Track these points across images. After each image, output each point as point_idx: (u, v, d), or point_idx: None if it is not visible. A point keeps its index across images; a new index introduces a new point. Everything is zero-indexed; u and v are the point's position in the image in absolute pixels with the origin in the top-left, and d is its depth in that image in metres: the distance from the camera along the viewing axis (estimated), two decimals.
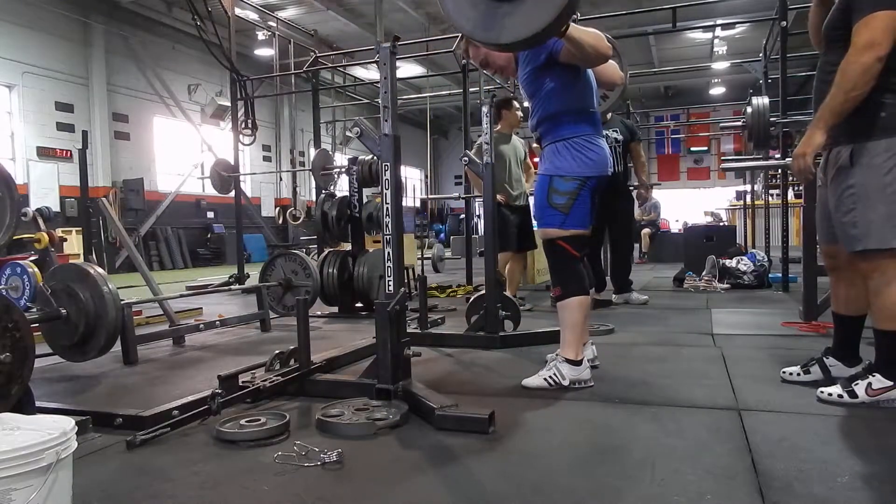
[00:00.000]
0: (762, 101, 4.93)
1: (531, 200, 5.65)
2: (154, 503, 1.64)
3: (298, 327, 2.63)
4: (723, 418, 2.20)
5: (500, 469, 1.81)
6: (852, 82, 2.08)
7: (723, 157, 20.52)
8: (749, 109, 4.98)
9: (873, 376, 2.24)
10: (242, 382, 2.48)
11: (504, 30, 2.15)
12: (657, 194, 24.28)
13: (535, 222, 3.02)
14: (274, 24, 12.23)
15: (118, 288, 2.95)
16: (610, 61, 2.71)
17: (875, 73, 2.06)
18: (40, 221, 4.60)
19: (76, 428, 1.42)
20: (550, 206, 2.67)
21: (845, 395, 2.26)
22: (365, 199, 5.20)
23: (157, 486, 1.74)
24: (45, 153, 11.99)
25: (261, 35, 14.17)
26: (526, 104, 2.93)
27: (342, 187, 6.05)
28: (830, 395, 2.30)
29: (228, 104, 10.02)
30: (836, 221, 2.29)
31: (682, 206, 23.14)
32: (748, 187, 12.10)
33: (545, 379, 2.64)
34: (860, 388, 2.25)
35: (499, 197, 5.13)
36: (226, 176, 7.04)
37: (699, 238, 8.05)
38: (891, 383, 2.21)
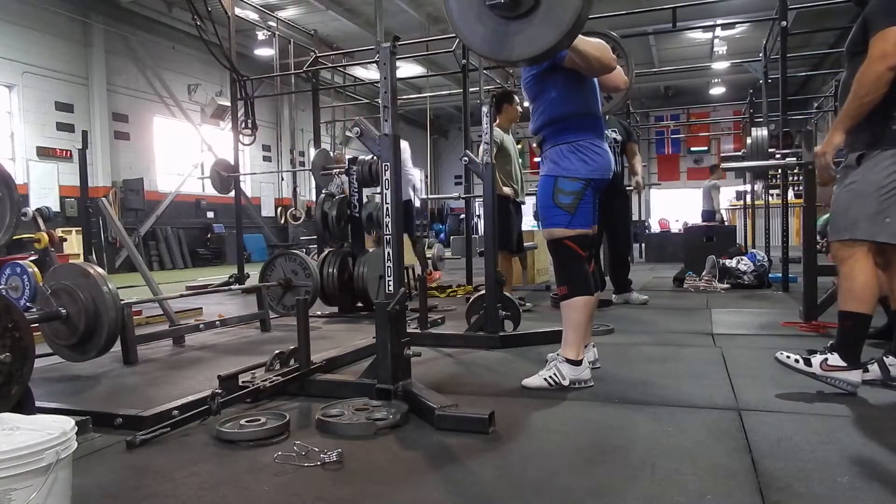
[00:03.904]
0: (761, 132, 4.90)
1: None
2: (154, 503, 1.64)
3: (298, 327, 2.63)
4: (723, 418, 2.20)
5: (500, 469, 1.81)
6: (866, 88, 2.29)
7: (723, 157, 20.51)
8: (749, 140, 4.96)
9: (832, 354, 2.43)
10: (242, 382, 2.48)
11: (513, 48, 2.18)
12: (657, 194, 24.25)
13: (535, 223, 3.03)
14: (274, 24, 12.24)
15: (118, 288, 2.95)
16: (617, 67, 2.72)
17: (887, 81, 2.26)
18: (40, 221, 4.61)
19: (76, 428, 1.42)
20: (556, 206, 2.67)
21: (801, 362, 2.47)
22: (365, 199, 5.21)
23: (157, 486, 1.74)
24: (45, 153, 11.98)
25: (261, 35, 14.16)
26: (527, 104, 2.93)
27: (338, 187, 6.05)
28: (788, 357, 2.52)
29: (228, 104, 10.01)
30: (832, 211, 2.51)
31: (682, 206, 23.16)
32: (748, 187, 12.10)
33: (545, 379, 2.64)
34: (816, 360, 2.45)
35: (507, 191, 5.15)
36: (226, 176, 7.03)
37: (699, 238, 8.04)
38: (844, 364, 2.39)
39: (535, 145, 3.06)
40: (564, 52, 2.50)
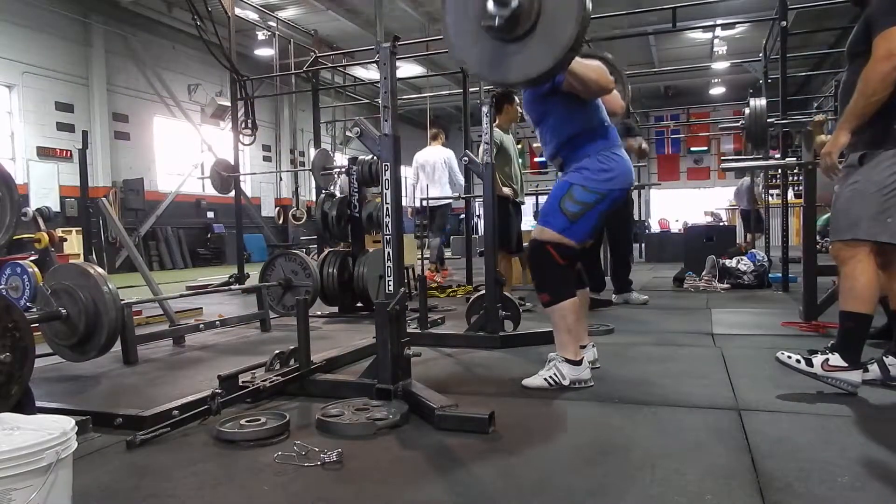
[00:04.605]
0: (760, 102, 4.93)
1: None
2: (154, 503, 1.64)
3: (298, 327, 2.63)
4: (723, 418, 2.21)
5: (500, 469, 1.81)
6: (872, 88, 2.29)
7: (723, 157, 20.52)
8: (747, 111, 4.99)
9: (833, 354, 2.43)
10: (242, 382, 2.48)
11: (510, 70, 2.16)
12: (657, 194, 24.21)
13: (535, 223, 3.01)
14: (274, 24, 12.25)
15: (118, 288, 2.95)
16: (615, 92, 2.72)
17: (892, 81, 2.26)
18: (40, 221, 4.60)
19: (76, 428, 1.42)
20: (560, 210, 2.64)
21: (802, 362, 2.47)
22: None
23: (157, 485, 1.74)
24: (45, 153, 11.98)
25: (261, 35, 14.16)
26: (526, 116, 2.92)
27: (341, 188, 6.06)
28: (790, 357, 2.51)
29: (228, 104, 10.01)
30: (833, 210, 2.51)
31: (682, 206, 23.17)
32: None
33: (545, 379, 2.63)
34: (818, 360, 2.44)
35: (507, 191, 5.15)
36: (226, 176, 7.03)
37: (699, 238, 8.04)
38: (845, 365, 2.39)
39: (535, 145, 3.05)
40: (562, 76, 2.50)
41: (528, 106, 2.79)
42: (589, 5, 2.02)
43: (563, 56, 2.07)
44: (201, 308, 5.49)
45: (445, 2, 2.24)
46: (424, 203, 7.00)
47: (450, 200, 7.53)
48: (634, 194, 11.70)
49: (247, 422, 2.15)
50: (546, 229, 2.67)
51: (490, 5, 2.03)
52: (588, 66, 2.49)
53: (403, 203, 3.56)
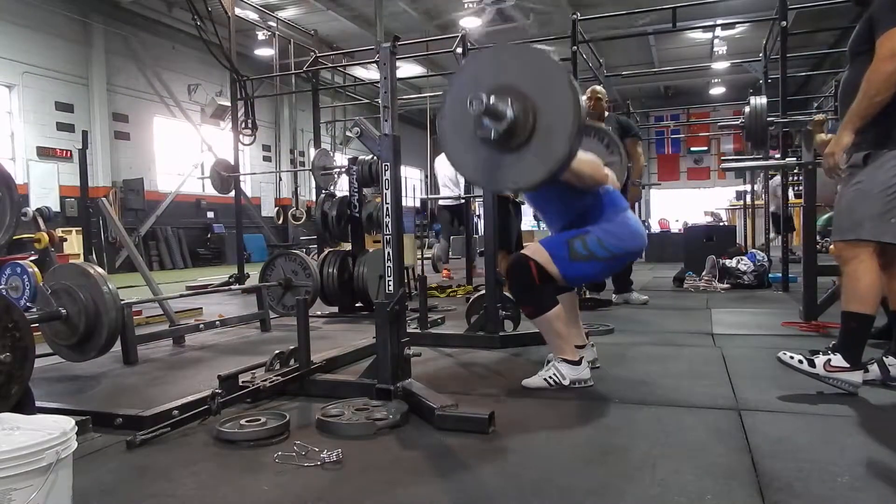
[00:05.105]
0: (760, 101, 4.93)
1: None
2: (154, 503, 1.64)
3: (298, 327, 2.63)
4: (723, 418, 2.21)
5: (500, 469, 1.81)
6: (876, 88, 2.28)
7: (723, 157, 20.53)
8: (747, 109, 5.00)
9: (834, 354, 2.43)
10: (242, 382, 2.48)
11: (506, 179, 2.22)
12: (657, 194, 24.15)
13: (535, 223, 3.03)
14: (274, 24, 12.24)
15: (118, 288, 2.95)
16: (609, 174, 2.74)
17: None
18: (40, 221, 4.60)
19: (76, 428, 1.42)
20: (567, 244, 2.60)
21: (805, 363, 2.46)
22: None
23: (157, 485, 1.74)
24: (45, 153, 11.98)
25: (261, 35, 14.15)
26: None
27: (342, 187, 6.06)
28: (791, 357, 2.51)
29: (228, 104, 10.01)
30: (836, 210, 2.51)
31: (682, 206, 23.18)
32: (748, 187, 12.10)
33: (545, 379, 2.63)
34: (820, 360, 2.44)
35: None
36: (226, 176, 7.03)
37: (699, 238, 8.04)
38: (847, 365, 2.39)
39: None
40: None
41: (528, 196, 2.84)
42: (582, 122, 2.07)
43: (557, 168, 2.11)
44: (201, 308, 5.48)
45: (443, 112, 2.29)
46: (441, 203, 7.02)
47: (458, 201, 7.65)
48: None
49: (247, 422, 2.15)
50: (542, 250, 2.62)
51: (486, 119, 2.07)
52: (584, 162, 2.50)
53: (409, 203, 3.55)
